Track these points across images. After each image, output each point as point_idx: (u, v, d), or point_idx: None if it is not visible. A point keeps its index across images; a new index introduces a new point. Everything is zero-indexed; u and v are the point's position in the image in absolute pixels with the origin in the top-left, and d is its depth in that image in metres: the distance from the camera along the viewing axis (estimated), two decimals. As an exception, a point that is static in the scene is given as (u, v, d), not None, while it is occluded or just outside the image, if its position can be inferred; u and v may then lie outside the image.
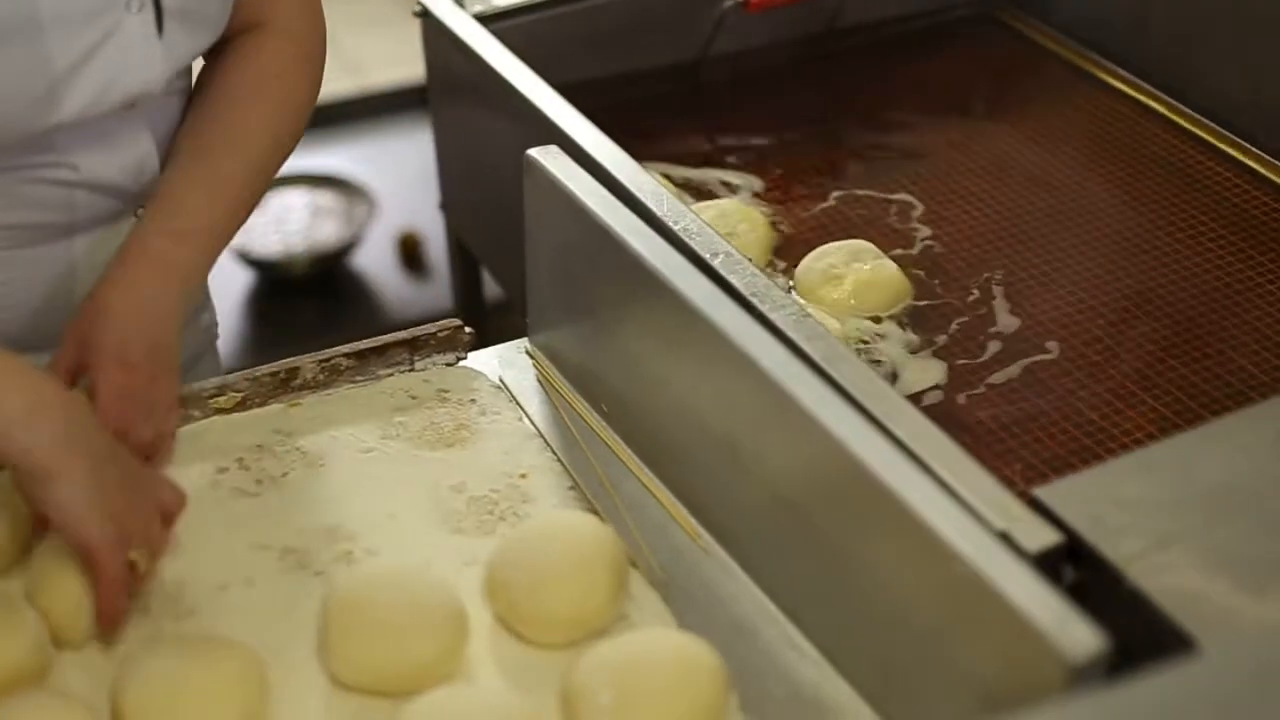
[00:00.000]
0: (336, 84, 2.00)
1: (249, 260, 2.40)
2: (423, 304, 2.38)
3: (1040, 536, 1.05)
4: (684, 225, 1.30)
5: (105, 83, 1.17)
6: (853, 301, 1.43)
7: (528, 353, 1.35)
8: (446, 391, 1.30)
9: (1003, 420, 1.34)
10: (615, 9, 1.68)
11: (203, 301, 1.43)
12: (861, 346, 1.41)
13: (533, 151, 1.29)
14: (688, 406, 1.19)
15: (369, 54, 2.83)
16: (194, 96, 1.31)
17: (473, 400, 1.29)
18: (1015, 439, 1.32)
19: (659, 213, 1.31)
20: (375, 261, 2.48)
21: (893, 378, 1.37)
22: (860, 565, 1.06)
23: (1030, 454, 1.30)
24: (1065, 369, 1.39)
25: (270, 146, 1.30)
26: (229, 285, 2.37)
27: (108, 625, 1.09)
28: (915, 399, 1.35)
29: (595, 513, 1.20)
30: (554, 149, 1.30)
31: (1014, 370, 1.39)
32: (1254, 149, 1.65)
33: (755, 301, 1.23)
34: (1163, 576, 1.03)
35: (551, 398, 1.31)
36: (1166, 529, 1.07)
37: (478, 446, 1.25)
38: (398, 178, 2.62)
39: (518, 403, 1.30)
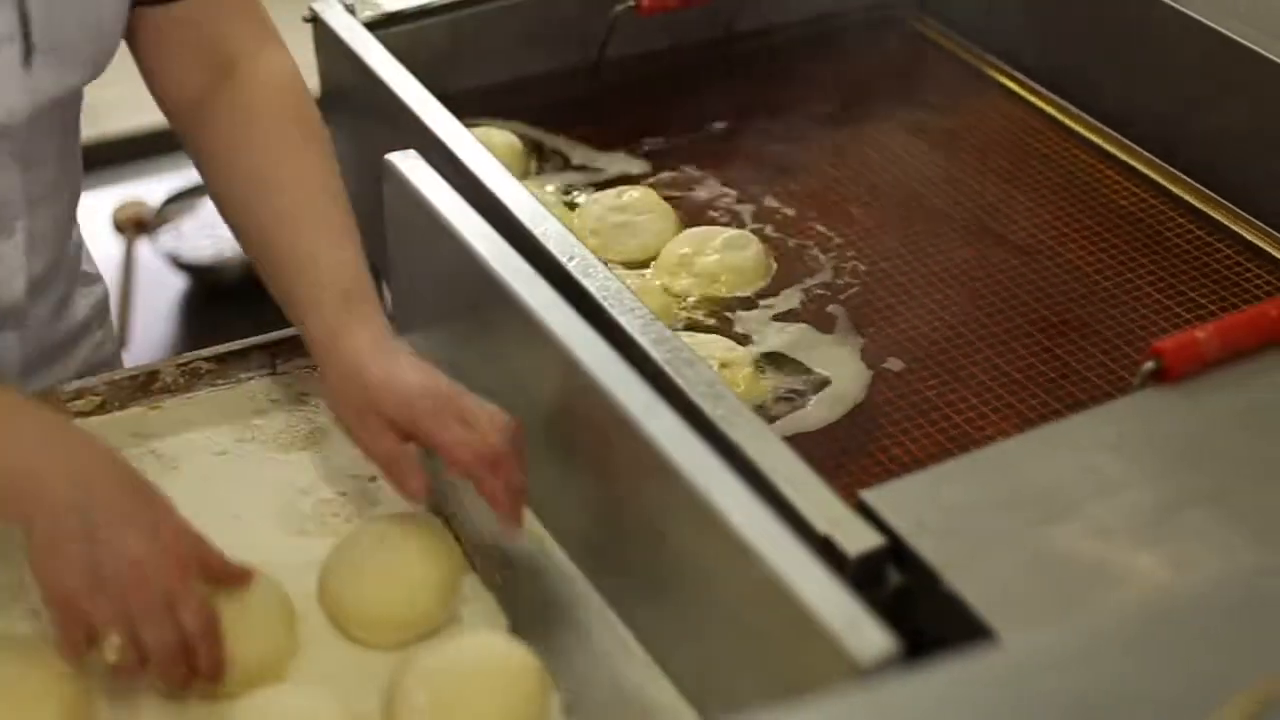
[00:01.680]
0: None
1: (180, 265, 2.41)
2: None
3: (862, 540, 1.06)
4: (543, 229, 1.31)
5: None
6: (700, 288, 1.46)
7: (392, 356, 1.36)
8: (306, 395, 1.31)
9: (863, 424, 1.35)
10: (511, 14, 1.68)
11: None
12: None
13: (391, 156, 1.30)
14: (535, 411, 1.20)
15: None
16: (229, 172, 1.27)
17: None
18: (875, 443, 1.33)
19: (519, 217, 1.32)
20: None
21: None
22: (682, 568, 1.06)
23: (888, 459, 1.31)
24: (929, 371, 1.39)
25: (332, 169, 1.26)
26: (161, 290, 2.39)
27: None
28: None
29: (441, 514, 1.20)
30: (412, 154, 1.30)
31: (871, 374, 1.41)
32: (1142, 151, 1.65)
33: (605, 305, 1.24)
34: (981, 579, 1.03)
35: (411, 401, 1.31)
36: (989, 532, 1.07)
37: (331, 449, 1.26)
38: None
39: (376, 406, 1.30)
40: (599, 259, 1.28)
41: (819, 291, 1.49)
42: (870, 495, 1.09)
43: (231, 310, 2.46)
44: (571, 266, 1.27)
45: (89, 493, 1.03)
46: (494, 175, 1.36)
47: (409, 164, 1.29)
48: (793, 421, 1.34)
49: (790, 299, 1.48)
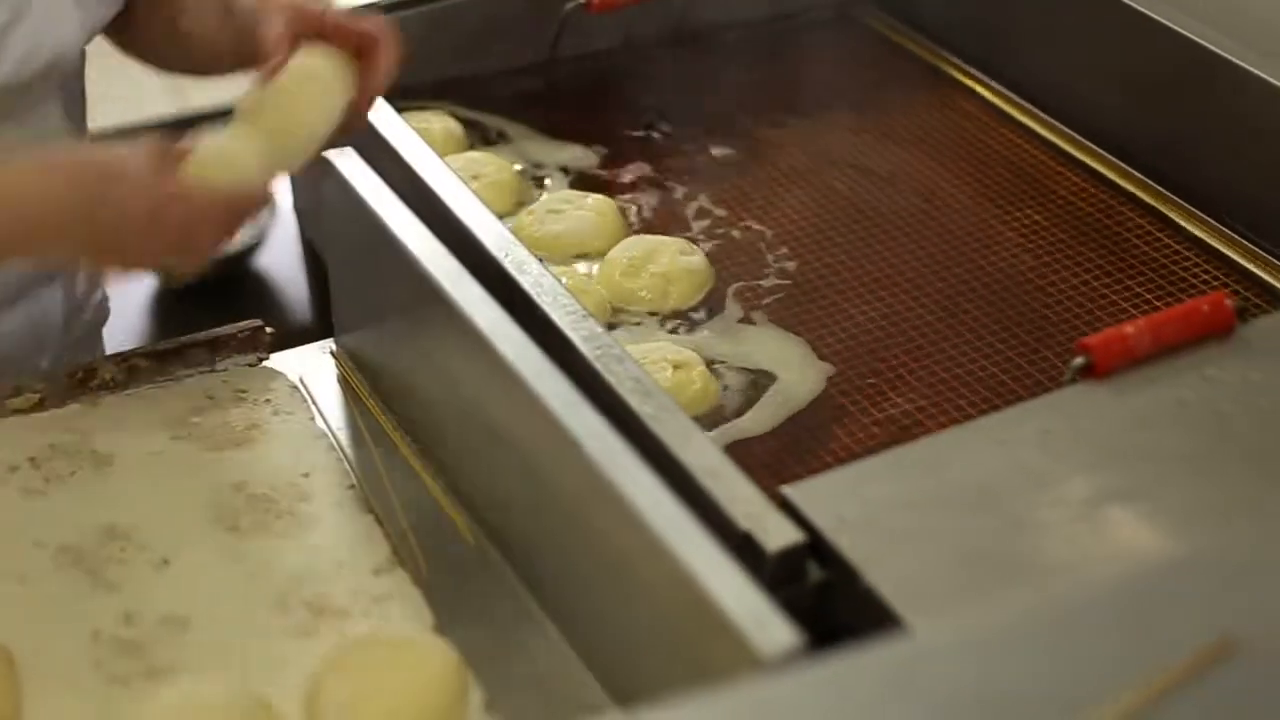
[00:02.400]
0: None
1: (148, 263, 2.41)
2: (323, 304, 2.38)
3: (781, 536, 1.06)
4: (479, 225, 1.31)
5: (31, 47, 1.22)
6: (648, 295, 1.45)
7: (332, 353, 1.36)
8: (244, 392, 1.32)
9: (811, 423, 1.35)
10: (462, 12, 1.68)
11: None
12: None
13: (329, 154, 1.30)
14: (467, 408, 1.20)
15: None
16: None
17: (268, 400, 1.30)
18: (821, 442, 1.33)
19: (456, 213, 1.32)
20: (279, 263, 2.48)
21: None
22: (602, 564, 1.07)
23: (828, 454, 1.31)
24: (875, 370, 1.39)
25: None
26: (130, 287, 2.38)
27: None
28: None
29: (372, 511, 1.21)
30: (349, 150, 1.31)
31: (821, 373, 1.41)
32: (1093, 146, 1.66)
33: (538, 301, 1.24)
34: (899, 575, 1.03)
35: (348, 398, 1.32)
36: (910, 527, 1.07)
37: (266, 446, 1.27)
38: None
39: (313, 403, 1.31)
40: (533, 255, 1.29)
41: (767, 291, 1.49)
42: (792, 491, 1.09)
43: (201, 308, 2.46)
44: (506, 262, 1.27)
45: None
46: (434, 171, 1.37)
47: (346, 163, 1.29)
48: (743, 422, 1.34)
49: (738, 298, 1.48)
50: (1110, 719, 0.75)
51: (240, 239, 2.47)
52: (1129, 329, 1.20)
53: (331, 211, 1.32)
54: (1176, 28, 1.57)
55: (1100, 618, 0.83)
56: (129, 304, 2.49)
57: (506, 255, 1.28)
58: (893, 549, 1.05)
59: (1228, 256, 1.53)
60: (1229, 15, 1.61)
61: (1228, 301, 1.23)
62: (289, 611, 1.13)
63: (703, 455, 1.11)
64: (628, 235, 1.52)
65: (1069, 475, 1.11)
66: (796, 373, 1.40)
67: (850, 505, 1.08)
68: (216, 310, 2.45)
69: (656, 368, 1.32)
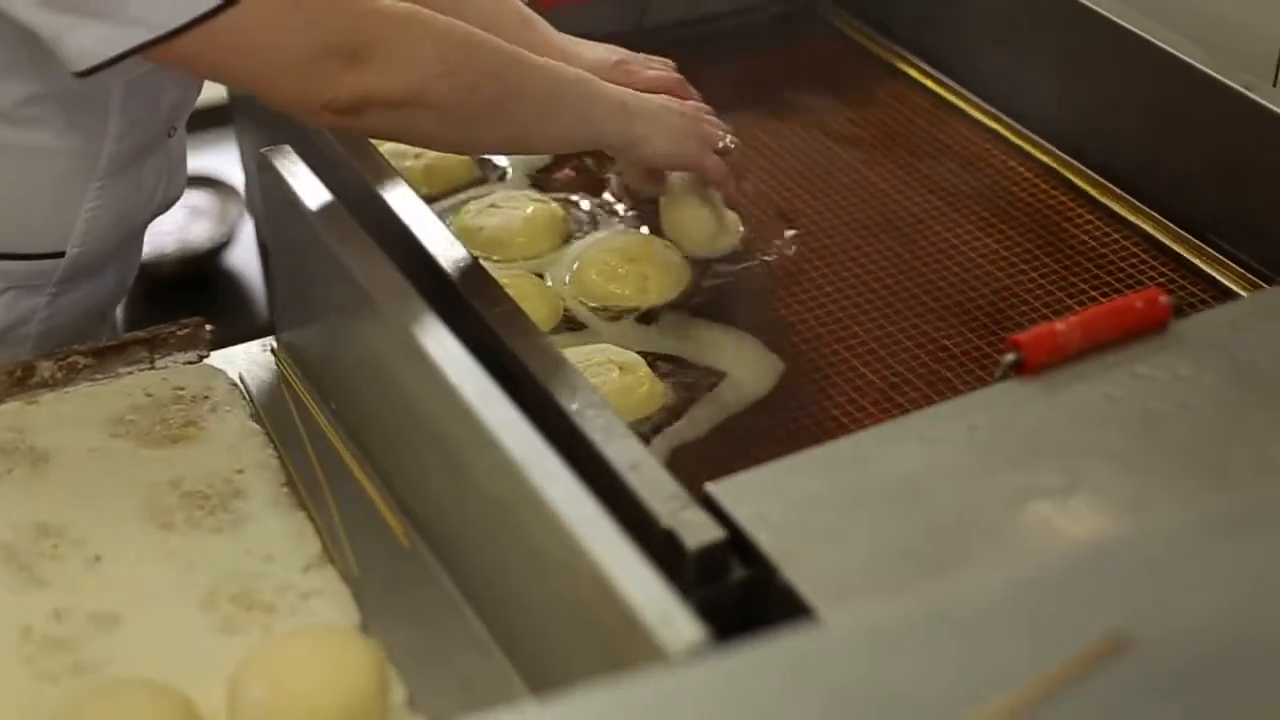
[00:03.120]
0: (213, 88, 2.00)
1: (119, 260, 2.42)
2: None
3: (702, 534, 1.06)
4: (421, 228, 1.31)
5: None
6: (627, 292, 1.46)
7: (273, 350, 1.37)
8: (183, 389, 1.32)
9: (760, 419, 1.35)
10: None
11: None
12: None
13: (266, 151, 1.31)
14: (394, 405, 1.20)
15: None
16: None
17: (206, 398, 1.31)
18: (759, 437, 1.33)
19: (399, 215, 1.32)
20: (248, 261, 2.49)
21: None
22: (523, 561, 1.07)
23: (782, 450, 1.31)
24: (818, 368, 1.40)
25: None
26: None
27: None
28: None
29: (304, 508, 1.21)
30: (286, 149, 1.31)
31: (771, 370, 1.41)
32: (1045, 143, 1.67)
33: (471, 301, 1.25)
34: (818, 572, 1.03)
35: (287, 395, 1.32)
36: (831, 524, 1.07)
37: (202, 444, 1.27)
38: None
39: (251, 400, 1.31)
40: (473, 254, 1.29)
41: (718, 289, 1.49)
42: (715, 488, 1.09)
43: (169, 306, 2.46)
44: (441, 260, 1.28)
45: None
46: (374, 167, 1.37)
47: (283, 160, 1.29)
48: (688, 420, 1.34)
49: (689, 296, 1.48)
50: (996, 715, 0.75)
51: (209, 238, 2.49)
52: (1060, 326, 1.19)
53: (269, 209, 1.33)
54: (1128, 25, 1.58)
55: (1000, 614, 0.83)
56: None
57: (443, 254, 1.28)
58: (812, 546, 1.05)
59: (1178, 254, 1.53)
60: (1179, 13, 1.61)
61: (1162, 298, 1.23)
62: (217, 608, 1.13)
63: (627, 452, 1.12)
64: (568, 234, 1.53)
65: (994, 472, 1.11)
66: (746, 370, 1.40)
67: (773, 502, 1.08)
68: (184, 307, 2.46)
69: (601, 370, 1.32)
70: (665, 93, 1.49)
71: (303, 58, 1.18)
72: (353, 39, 1.19)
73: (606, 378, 1.31)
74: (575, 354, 1.32)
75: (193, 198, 2.51)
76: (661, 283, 1.47)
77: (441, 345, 1.13)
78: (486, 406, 1.07)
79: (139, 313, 2.42)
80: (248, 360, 1.36)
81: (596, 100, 1.36)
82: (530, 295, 1.40)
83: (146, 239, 2.44)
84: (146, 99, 1.32)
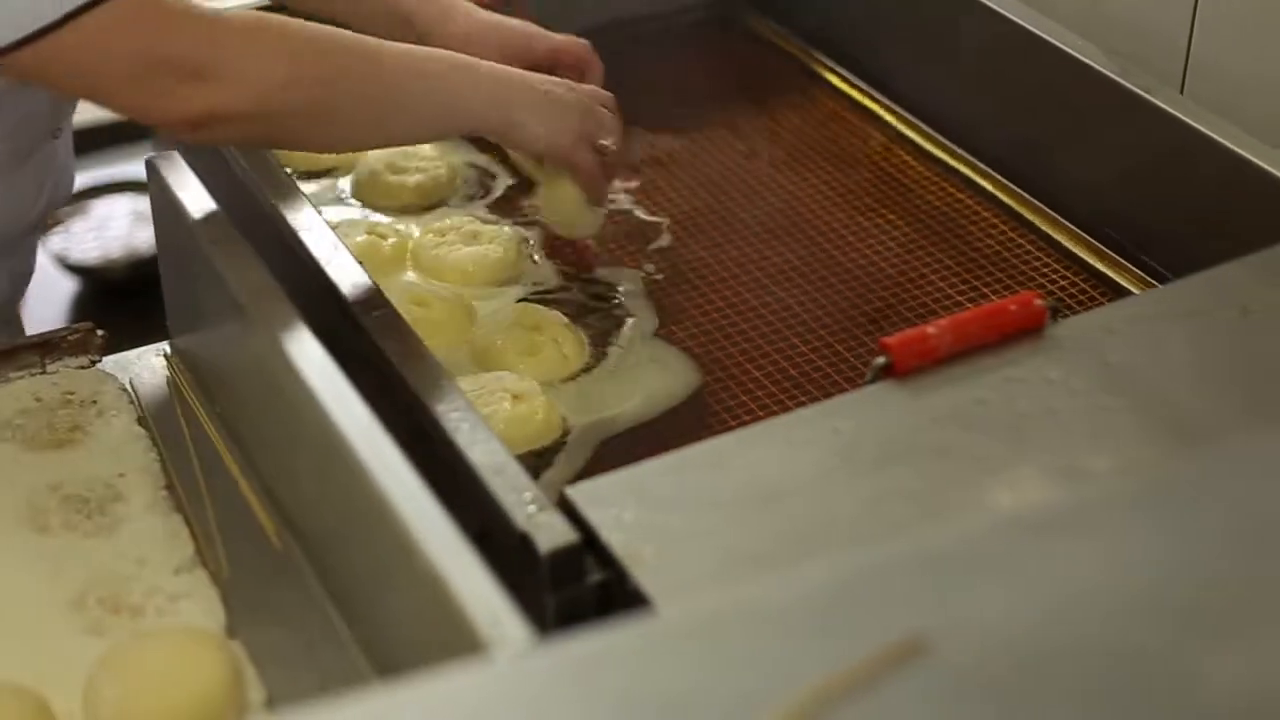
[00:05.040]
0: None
1: (68, 266, 2.43)
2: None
3: (555, 537, 1.07)
4: (307, 235, 1.32)
5: None
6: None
7: (165, 355, 1.38)
8: (72, 394, 1.33)
9: (664, 426, 1.36)
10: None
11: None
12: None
13: (152, 157, 1.32)
14: (270, 411, 1.21)
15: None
16: None
17: (94, 402, 1.32)
18: (653, 434, 1.34)
19: (288, 220, 1.34)
20: (198, 266, 2.51)
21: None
22: (375, 563, 1.08)
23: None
24: (715, 374, 1.40)
25: None
26: (51, 292, 2.41)
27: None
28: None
29: (182, 511, 1.22)
30: (174, 155, 1.32)
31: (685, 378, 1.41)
32: (958, 149, 1.67)
33: (350, 301, 1.26)
34: (668, 576, 1.04)
35: (175, 400, 1.33)
36: (685, 528, 1.08)
37: (86, 448, 1.28)
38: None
39: (139, 405, 1.32)
40: (357, 261, 1.31)
41: (623, 290, 1.51)
42: (573, 491, 1.10)
43: (120, 310, 2.47)
44: (326, 266, 1.29)
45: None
46: (269, 177, 1.38)
47: (169, 167, 1.31)
48: (600, 424, 1.35)
49: (601, 297, 1.49)
50: (781, 718, 0.75)
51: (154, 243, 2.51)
52: (931, 329, 1.20)
53: (156, 215, 1.34)
54: (1034, 29, 1.59)
55: (796, 615, 0.83)
56: (47, 304, 2.52)
57: (329, 262, 1.29)
58: (665, 549, 1.05)
59: (1079, 256, 1.54)
60: (1087, 19, 1.62)
61: (1037, 300, 1.23)
62: (85, 610, 1.14)
63: (491, 455, 1.12)
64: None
65: (854, 476, 1.11)
66: (659, 377, 1.41)
67: (630, 506, 1.08)
68: (135, 310, 2.47)
69: (495, 399, 1.31)
70: (569, 65, 1.50)
71: (140, 74, 1.19)
72: (193, 55, 1.20)
73: (498, 408, 1.30)
74: (470, 382, 1.32)
75: (139, 203, 2.53)
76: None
77: (305, 350, 1.13)
78: (342, 411, 1.08)
79: (93, 318, 2.44)
80: (140, 365, 1.37)
81: (466, 88, 1.35)
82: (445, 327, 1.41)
83: (95, 244, 2.48)
84: (27, 102, 1.33)
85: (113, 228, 2.49)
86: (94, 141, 2.41)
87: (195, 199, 1.27)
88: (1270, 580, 0.85)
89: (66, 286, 2.45)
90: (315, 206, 1.37)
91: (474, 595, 0.94)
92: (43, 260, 2.51)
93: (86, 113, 2.90)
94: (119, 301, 2.47)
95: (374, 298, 1.27)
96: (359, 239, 1.48)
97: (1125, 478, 1.03)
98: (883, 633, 0.81)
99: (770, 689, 0.79)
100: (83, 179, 2.50)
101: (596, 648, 0.83)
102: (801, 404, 1.35)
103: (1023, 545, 0.87)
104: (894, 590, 0.84)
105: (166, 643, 1.08)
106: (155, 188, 1.31)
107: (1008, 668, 0.80)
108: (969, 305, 1.47)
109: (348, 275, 1.28)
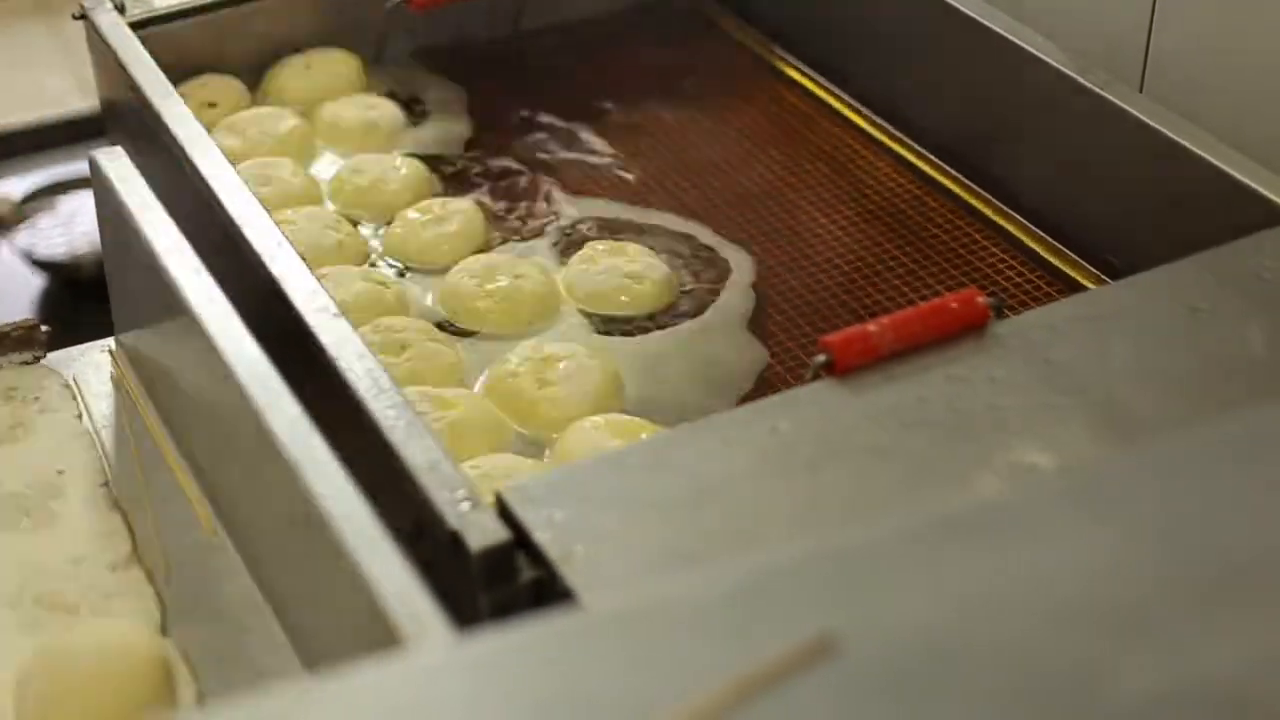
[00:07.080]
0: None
1: (35, 262, 2.42)
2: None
3: (487, 535, 1.06)
4: (251, 231, 1.31)
5: None
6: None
7: (110, 351, 1.37)
8: (14, 390, 1.32)
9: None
10: (280, 10, 1.69)
11: None
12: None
13: (95, 153, 1.31)
14: (206, 407, 1.21)
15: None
16: None
17: (37, 399, 1.31)
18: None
19: (232, 218, 1.33)
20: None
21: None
22: (306, 561, 1.07)
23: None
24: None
25: None
26: (19, 288, 2.40)
27: None
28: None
29: (120, 509, 1.22)
30: (117, 151, 1.32)
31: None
32: (913, 143, 1.66)
33: (293, 299, 1.25)
34: (598, 576, 1.03)
35: (119, 396, 1.33)
36: (616, 527, 1.07)
37: (26, 444, 1.27)
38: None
39: (82, 401, 1.32)
40: (299, 254, 1.30)
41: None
42: (507, 490, 1.09)
43: (88, 307, 2.47)
44: (272, 266, 1.28)
45: None
46: (214, 172, 1.37)
47: (111, 162, 1.30)
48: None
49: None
50: (683, 718, 0.75)
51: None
52: (872, 327, 1.19)
53: (99, 210, 1.34)
54: (992, 25, 1.58)
55: (708, 615, 0.82)
56: (14, 300, 2.53)
57: (274, 259, 1.28)
58: (595, 549, 1.05)
59: (1035, 252, 1.53)
60: (1047, 16, 1.61)
61: (979, 298, 1.22)
62: (18, 607, 1.14)
63: (425, 453, 1.12)
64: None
65: (790, 475, 1.10)
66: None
67: (564, 505, 1.08)
68: (98, 308, 2.46)
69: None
70: None
71: None
72: None
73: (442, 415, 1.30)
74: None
75: (109, 200, 2.53)
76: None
77: (240, 347, 1.13)
78: (271, 406, 1.07)
79: (61, 314, 2.44)
80: (85, 362, 1.36)
81: None
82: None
83: (62, 240, 2.47)
84: None
85: (80, 224, 2.47)
86: (61, 137, 2.40)
87: (137, 194, 1.27)
88: (1192, 579, 0.85)
89: (33, 283, 2.44)
90: (264, 208, 1.36)
91: (395, 592, 0.94)
92: (9, 256, 2.51)
93: (55, 108, 2.90)
94: (86, 298, 2.46)
95: (316, 293, 1.26)
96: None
97: (1058, 476, 1.03)
98: (799, 631, 0.81)
99: (680, 687, 0.78)
100: (49, 175, 2.50)
101: (507, 644, 0.82)
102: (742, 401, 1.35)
103: (947, 544, 0.86)
104: (812, 589, 0.84)
105: (96, 640, 1.07)
106: (98, 183, 1.31)
107: (917, 667, 0.80)
108: (921, 301, 1.47)
109: (290, 271, 1.27)
